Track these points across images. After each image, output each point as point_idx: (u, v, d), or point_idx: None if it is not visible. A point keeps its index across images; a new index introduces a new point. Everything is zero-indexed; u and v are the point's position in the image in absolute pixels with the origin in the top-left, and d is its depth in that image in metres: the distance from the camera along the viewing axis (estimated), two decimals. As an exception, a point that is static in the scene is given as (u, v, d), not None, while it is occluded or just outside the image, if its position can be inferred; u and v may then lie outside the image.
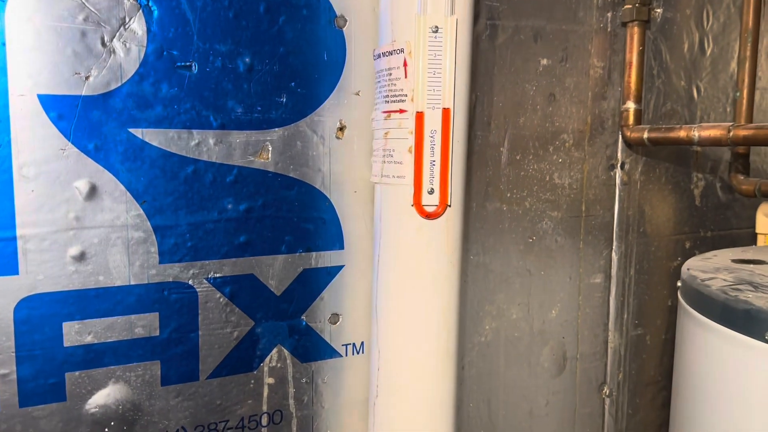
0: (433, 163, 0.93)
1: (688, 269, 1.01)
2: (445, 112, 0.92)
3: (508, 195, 1.20)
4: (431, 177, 0.93)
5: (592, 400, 1.34)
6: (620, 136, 1.28)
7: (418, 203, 0.93)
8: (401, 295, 0.97)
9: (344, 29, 1.02)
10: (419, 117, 0.92)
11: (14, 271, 0.86)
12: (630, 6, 1.21)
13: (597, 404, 1.35)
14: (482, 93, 1.14)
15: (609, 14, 1.24)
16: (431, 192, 0.93)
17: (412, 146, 0.92)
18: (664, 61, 1.31)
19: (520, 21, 1.16)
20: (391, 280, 0.98)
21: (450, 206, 0.94)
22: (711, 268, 1.00)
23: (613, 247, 1.32)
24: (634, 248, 1.34)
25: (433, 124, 0.92)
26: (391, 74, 0.94)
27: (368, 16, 1.03)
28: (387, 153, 0.96)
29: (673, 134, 1.13)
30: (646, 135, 1.19)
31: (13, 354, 0.87)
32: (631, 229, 1.33)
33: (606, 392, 1.35)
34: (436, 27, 0.90)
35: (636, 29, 1.22)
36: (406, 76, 0.92)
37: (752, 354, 0.83)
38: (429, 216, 0.94)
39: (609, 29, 1.25)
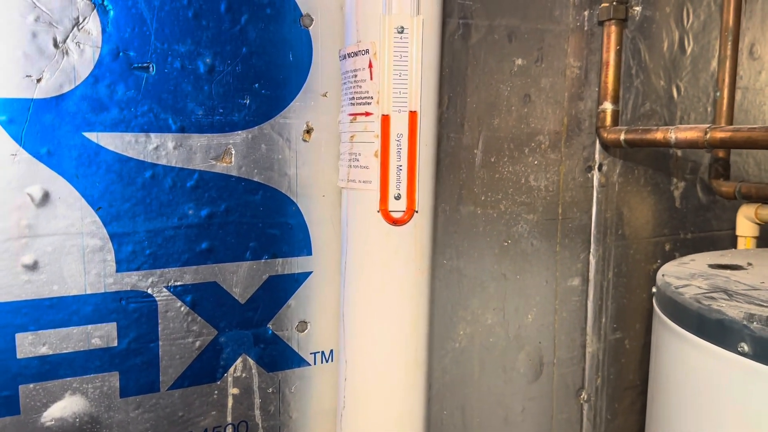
0: (400, 167, 0.90)
1: (663, 275, 0.99)
2: (412, 115, 0.89)
3: (483, 198, 1.17)
4: (398, 182, 0.90)
5: (569, 406, 1.32)
6: (597, 138, 1.25)
7: (384, 209, 0.90)
8: (368, 303, 0.94)
9: (310, 29, 0.99)
10: (385, 120, 0.89)
11: (-38, 281, 0.83)
12: (607, 4, 1.18)
13: (575, 410, 1.33)
14: (455, 94, 1.11)
15: (586, 13, 1.21)
16: (398, 197, 0.90)
17: (378, 150, 0.90)
18: (643, 60, 1.28)
19: (494, 20, 1.13)
20: (358, 288, 0.95)
21: (418, 212, 0.92)
22: (686, 274, 0.98)
23: (591, 250, 1.30)
24: (612, 251, 1.32)
25: (399, 127, 0.89)
26: (356, 76, 0.91)
27: (336, 14, 1.00)
28: (353, 157, 0.93)
29: (650, 136, 1.11)
30: (623, 136, 1.16)
31: (-37, 367, 0.84)
32: (609, 231, 1.31)
33: (584, 397, 1.33)
34: (402, 27, 0.87)
35: (613, 28, 1.19)
36: (371, 78, 0.89)
37: (725, 365, 0.80)
38: (396, 222, 0.91)
39: (586, 28, 1.22)
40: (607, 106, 1.21)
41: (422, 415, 0.99)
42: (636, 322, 1.36)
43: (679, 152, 1.36)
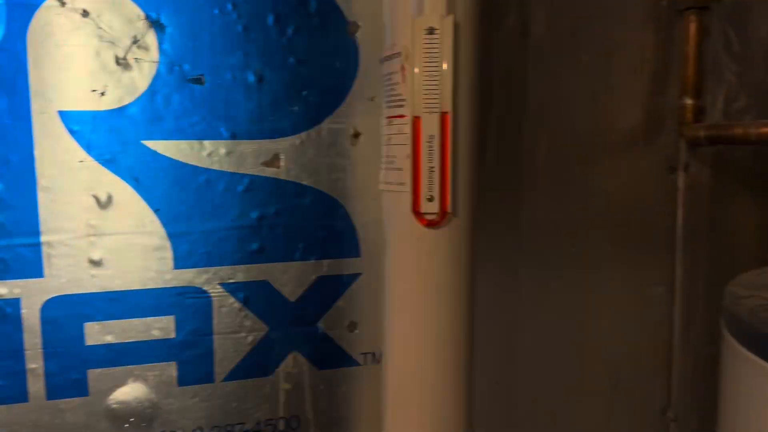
0: (432, 169, 0.89)
1: (732, 285, 0.90)
2: (444, 116, 0.88)
3: (547, 201, 1.12)
4: (430, 184, 0.89)
5: (652, 425, 1.23)
6: (680, 136, 1.16)
7: (417, 211, 0.90)
8: (405, 307, 0.94)
9: (356, 35, 1.01)
10: (416, 122, 0.89)
11: (39, 274, 0.94)
12: (686, -9, 1.10)
13: (658, 429, 1.23)
14: (511, 94, 1.08)
15: (663, 1, 1.13)
16: (431, 199, 0.90)
17: (410, 152, 0.89)
18: (735, 50, 1.17)
19: (555, 14, 1.09)
20: (395, 291, 0.95)
21: (453, 214, 0.90)
22: (758, 284, 0.88)
23: (677, 257, 1.20)
24: (701, 259, 1.21)
25: (430, 129, 0.88)
26: (391, 79, 0.92)
27: (381, 20, 1.01)
28: (389, 159, 0.94)
29: (728, 132, 1.01)
30: (703, 133, 1.07)
31: (41, 350, 0.95)
32: (698, 236, 1.20)
33: (671, 416, 1.23)
34: (431, 28, 0.87)
35: (693, 16, 1.10)
36: (403, 81, 0.89)
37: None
38: (429, 224, 0.90)
39: (663, 18, 1.14)
40: (689, 101, 1.12)
41: (464, 425, 0.96)
42: (731, 337, 1.24)
43: (782, 149, 1.22)
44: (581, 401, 1.18)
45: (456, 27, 0.87)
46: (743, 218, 1.22)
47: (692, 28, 1.10)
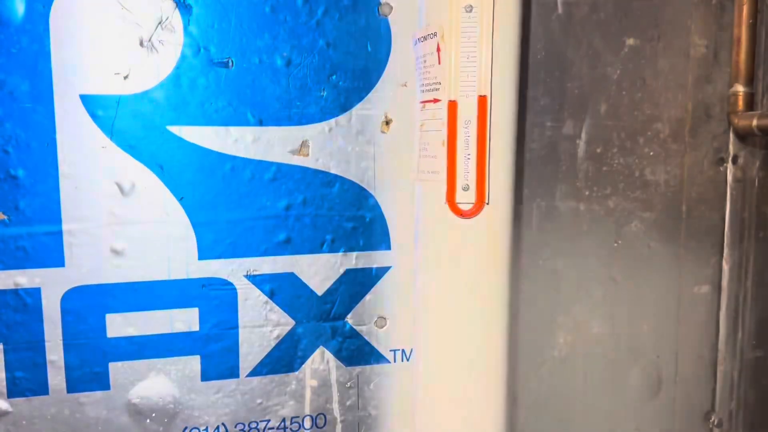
0: (468, 156, 0.84)
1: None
2: (481, 99, 0.83)
3: (587, 193, 1.07)
4: (466, 172, 0.85)
5: (695, 430, 1.16)
6: (730, 126, 1.09)
7: (451, 201, 0.85)
8: (438, 301, 0.90)
9: (389, 17, 0.97)
10: (452, 106, 0.84)
11: (61, 263, 0.91)
12: (738, -28, 1.03)
13: (702, 435, 1.17)
14: (552, 79, 1.03)
15: (713, -17, 1.07)
16: (466, 189, 0.85)
17: (445, 139, 0.85)
18: (789, 35, 1.10)
19: (599, -4, 1.03)
20: (427, 285, 0.91)
21: (489, 204, 0.85)
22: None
23: (724, 255, 1.14)
24: (751, 256, 1.14)
25: (467, 113, 0.84)
26: (426, 61, 0.87)
27: (415, 1, 0.96)
28: (422, 147, 0.89)
29: (783, 121, 0.95)
30: (755, 122, 1.01)
31: (61, 342, 0.92)
32: (748, 233, 1.14)
33: (714, 421, 1.17)
34: (470, 6, 0.82)
35: (746, -1, 1.04)
36: (439, 63, 0.85)
37: None
38: (464, 215, 0.85)
39: (714, 1, 1.07)
40: (739, 88, 1.05)
41: (501, 424, 0.92)
42: (782, 339, 1.17)
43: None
44: (621, 404, 1.13)
45: (495, 4, 0.82)
46: (795, 214, 1.16)
47: (745, 10, 1.03)
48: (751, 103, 1.05)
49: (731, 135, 1.11)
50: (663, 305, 1.13)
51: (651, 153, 1.08)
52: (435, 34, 0.85)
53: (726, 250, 1.14)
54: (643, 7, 1.05)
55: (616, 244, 1.09)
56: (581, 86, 1.04)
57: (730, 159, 1.11)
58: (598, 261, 1.09)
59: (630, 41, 1.05)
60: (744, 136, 1.10)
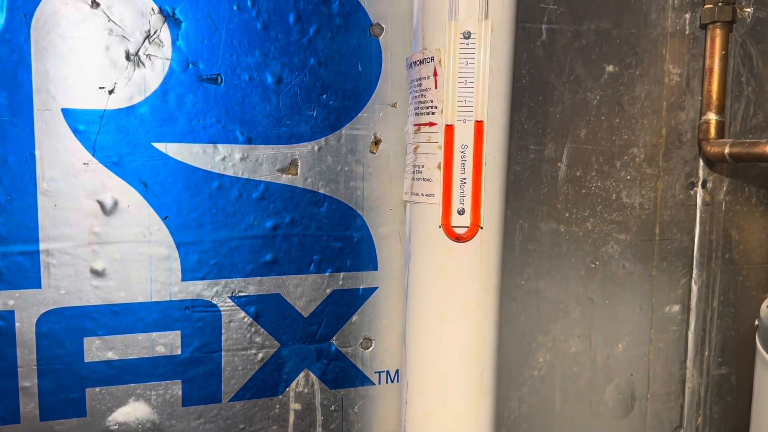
0: (464, 180, 0.85)
1: (767, 306, 0.87)
2: (478, 125, 0.84)
3: (567, 215, 1.09)
4: (462, 196, 0.85)
5: (665, 446, 1.20)
6: (700, 152, 1.14)
7: (446, 224, 0.86)
8: (429, 323, 0.89)
9: (380, 38, 0.96)
10: (449, 130, 0.84)
11: (37, 284, 0.86)
12: (711, 6, 1.07)
13: (671, 451, 1.20)
14: (536, 103, 1.05)
15: (687, 15, 1.11)
16: (461, 212, 0.85)
17: (441, 162, 0.85)
18: (755, 66, 1.15)
19: (581, 25, 1.06)
20: (419, 307, 0.90)
21: (483, 228, 0.86)
22: (796, 306, 0.86)
23: (693, 276, 1.18)
24: (717, 277, 1.19)
25: (464, 138, 0.84)
26: (421, 84, 0.87)
27: (407, 23, 0.97)
28: (416, 169, 0.89)
29: (757, 150, 0.99)
30: (727, 150, 1.05)
31: (35, 367, 0.87)
32: (715, 255, 1.18)
33: (683, 437, 1.21)
34: (468, 33, 0.83)
35: (718, 31, 1.08)
36: (436, 87, 0.85)
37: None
38: (459, 238, 0.86)
39: (687, 32, 1.11)
40: (711, 116, 1.10)
41: (489, 445, 0.92)
42: (745, 356, 1.21)
43: (798, 168, 1.21)
44: (596, 421, 1.15)
45: (492, 31, 0.83)
46: (756, 236, 1.21)
47: (717, 42, 1.08)
48: (722, 131, 1.10)
49: (701, 160, 1.15)
50: (637, 325, 1.16)
51: (627, 177, 1.11)
52: (432, 59, 0.85)
53: (695, 271, 1.18)
54: (623, 35, 1.08)
55: (593, 265, 1.12)
56: (563, 111, 1.06)
57: (699, 183, 1.16)
58: (577, 281, 1.11)
59: (609, 68, 1.08)
60: (713, 162, 1.14)
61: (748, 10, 1.13)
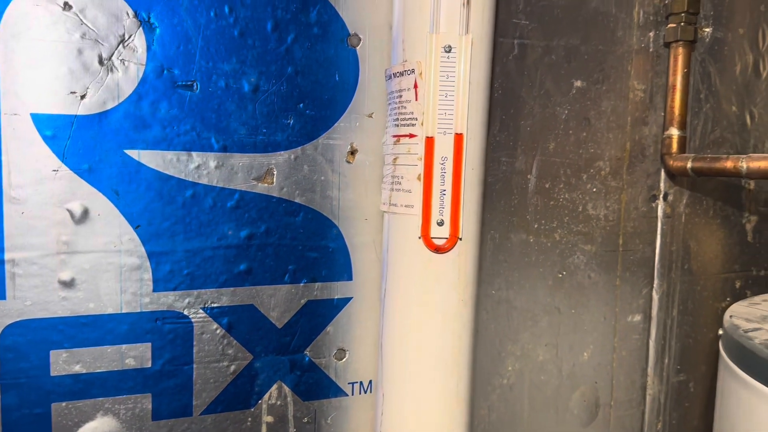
0: (444, 192, 0.85)
1: (731, 316, 0.91)
2: (458, 137, 0.85)
3: (536, 226, 1.11)
4: (441, 207, 0.86)
5: (627, 452, 1.23)
6: (662, 166, 1.17)
7: (426, 235, 0.86)
8: (407, 333, 0.89)
9: (358, 48, 0.96)
10: (429, 142, 0.85)
11: (1, 296, 0.83)
12: (674, 25, 1.11)
13: (633, 456, 1.24)
14: (507, 117, 1.06)
15: (651, 34, 1.15)
16: (441, 224, 0.86)
17: (421, 174, 0.86)
18: (713, 84, 1.20)
19: (551, 41, 1.08)
20: (396, 317, 0.90)
21: (462, 239, 0.87)
22: (757, 316, 0.90)
23: (654, 285, 1.21)
24: (677, 287, 1.23)
25: (444, 150, 0.85)
26: (401, 96, 0.88)
27: (384, 34, 0.97)
28: (395, 180, 0.89)
29: (719, 165, 1.03)
30: (690, 164, 1.08)
31: (-2, 382, 0.84)
32: (675, 265, 1.22)
33: (643, 443, 1.24)
34: (449, 46, 0.84)
35: (681, 50, 1.12)
36: (416, 99, 0.86)
37: (801, 420, 0.72)
38: (438, 249, 0.86)
39: (651, 50, 1.15)
40: (674, 131, 1.13)
41: (463, 455, 0.93)
42: (702, 364, 1.26)
43: (752, 183, 1.27)
44: (562, 429, 1.17)
45: (472, 45, 0.84)
46: (713, 247, 1.25)
47: (680, 60, 1.12)
48: (684, 146, 1.14)
49: (662, 174, 1.19)
50: (601, 333, 1.18)
51: (593, 189, 1.14)
52: (413, 71, 0.85)
53: (656, 281, 1.21)
54: (590, 52, 1.11)
55: (560, 275, 1.14)
56: (533, 124, 1.08)
57: (661, 196, 1.20)
58: (545, 291, 1.13)
59: (578, 83, 1.11)
60: (674, 176, 1.18)
61: (708, 30, 1.18)
